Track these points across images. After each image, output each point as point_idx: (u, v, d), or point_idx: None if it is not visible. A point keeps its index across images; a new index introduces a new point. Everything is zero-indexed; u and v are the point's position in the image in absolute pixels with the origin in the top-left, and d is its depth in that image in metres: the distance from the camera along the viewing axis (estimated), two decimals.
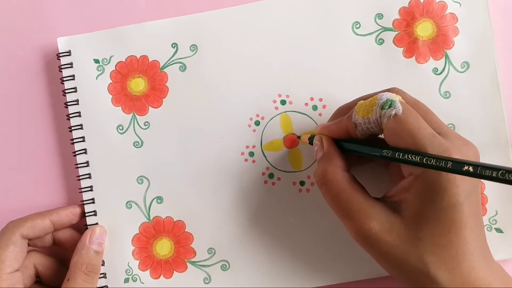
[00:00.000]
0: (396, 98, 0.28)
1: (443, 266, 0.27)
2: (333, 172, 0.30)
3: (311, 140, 0.34)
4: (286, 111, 0.37)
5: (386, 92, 0.29)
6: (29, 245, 0.36)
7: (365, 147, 0.30)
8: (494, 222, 0.35)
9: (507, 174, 0.22)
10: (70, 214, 0.37)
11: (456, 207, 0.26)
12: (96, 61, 0.38)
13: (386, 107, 0.28)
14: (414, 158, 0.26)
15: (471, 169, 0.24)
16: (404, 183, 0.28)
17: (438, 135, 0.27)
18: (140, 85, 0.37)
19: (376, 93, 0.30)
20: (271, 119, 0.37)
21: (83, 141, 0.37)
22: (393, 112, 0.28)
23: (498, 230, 0.35)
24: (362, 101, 0.30)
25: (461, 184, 0.26)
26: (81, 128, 0.37)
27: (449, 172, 0.25)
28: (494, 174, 0.23)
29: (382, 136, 0.31)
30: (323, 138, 0.32)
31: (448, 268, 0.27)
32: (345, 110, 0.33)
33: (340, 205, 0.30)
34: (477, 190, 0.28)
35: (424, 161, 0.26)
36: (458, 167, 0.24)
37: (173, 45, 0.37)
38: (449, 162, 0.24)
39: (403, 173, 0.29)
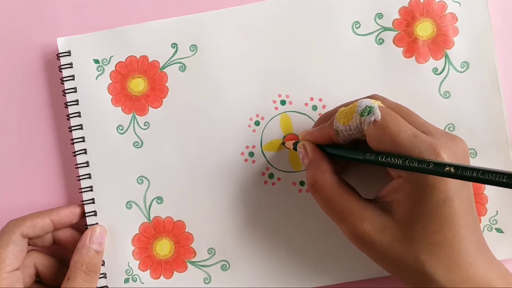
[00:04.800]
0: (375, 104, 0.29)
1: (439, 264, 0.27)
2: (322, 178, 0.30)
3: (295, 145, 0.34)
4: (286, 111, 0.37)
5: (365, 99, 0.30)
6: (29, 244, 0.36)
7: (348, 151, 0.30)
8: (494, 222, 0.35)
9: (487, 174, 0.22)
10: (70, 214, 0.37)
11: (446, 203, 0.26)
12: (96, 61, 0.38)
13: (365, 113, 0.28)
14: (396, 161, 0.26)
15: (452, 169, 0.24)
16: (394, 184, 0.28)
17: (421, 134, 0.27)
18: (140, 85, 0.38)
19: (357, 100, 0.30)
20: (271, 119, 0.37)
21: (83, 141, 0.37)
22: (372, 119, 0.28)
23: (499, 230, 0.35)
24: (343, 108, 0.30)
25: (449, 180, 0.26)
26: (81, 128, 0.37)
27: (431, 174, 0.25)
28: (474, 174, 0.23)
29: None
30: (306, 145, 0.33)
31: (445, 266, 0.27)
32: (328, 117, 0.33)
33: (333, 209, 0.30)
34: (468, 185, 0.28)
35: (406, 163, 0.26)
36: (439, 168, 0.24)
37: (173, 45, 0.37)
38: (431, 163, 0.25)
39: (391, 174, 0.29)
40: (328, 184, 0.30)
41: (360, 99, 0.30)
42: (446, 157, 0.26)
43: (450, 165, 0.24)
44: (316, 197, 0.31)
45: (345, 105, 0.31)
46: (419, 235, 0.27)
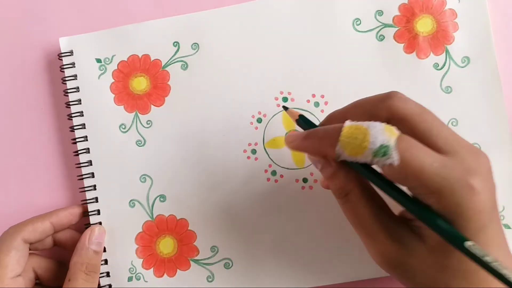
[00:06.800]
0: (391, 141, 0.24)
1: None
2: (354, 187, 0.27)
3: (301, 119, 0.31)
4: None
5: (379, 130, 0.24)
6: (30, 249, 0.35)
7: (376, 179, 0.26)
8: (502, 218, 0.35)
9: None
10: (70, 215, 0.36)
11: (482, 231, 0.25)
12: (98, 60, 0.38)
13: (380, 155, 0.24)
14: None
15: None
16: None
17: (447, 162, 0.24)
18: (142, 84, 0.38)
19: (371, 97, 0.27)
20: (273, 116, 0.37)
21: (86, 140, 0.37)
22: (388, 162, 0.24)
23: (506, 226, 0.35)
24: (349, 129, 0.25)
25: (484, 208, 0.24)
26: (84, 128, 0.37)
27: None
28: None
29: None
30: (331, 162, 0.28)
31: None
32: (337, 117, 0.29)
33: (363, 223, 0.27)
34: (496, 206, 0.26)
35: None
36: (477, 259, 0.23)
37: (175, 43, 0.37)
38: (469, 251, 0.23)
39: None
40: (361, 195, 0.27)
41: (376, 95, 0.27)
42: (479, 187, 0.24)
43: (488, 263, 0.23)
44: (347, 207, 0.27)
45: (357, 104, 0.28)
46: (453, 263, 0.25)
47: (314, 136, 0.28)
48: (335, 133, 0.26)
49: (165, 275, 0.37)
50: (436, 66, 0.36)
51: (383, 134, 0.24)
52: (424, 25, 0.36)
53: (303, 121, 0.31)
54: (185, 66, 0.37)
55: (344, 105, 0.29)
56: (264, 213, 0.36)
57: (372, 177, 0.26)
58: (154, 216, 0.37)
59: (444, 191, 0.24)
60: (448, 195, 0.24)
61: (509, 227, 0.35)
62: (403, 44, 0.36)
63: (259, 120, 0.37)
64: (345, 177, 0.27)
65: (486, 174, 0.25)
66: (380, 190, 0.27)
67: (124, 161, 0.37)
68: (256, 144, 0.37)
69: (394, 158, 0.24)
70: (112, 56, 0.38)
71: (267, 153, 0.37)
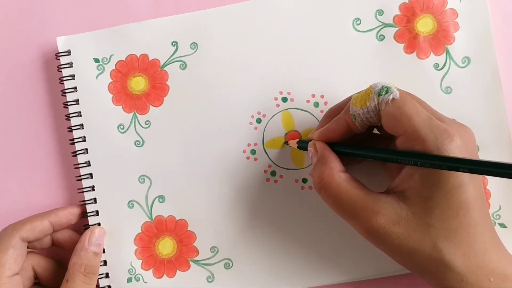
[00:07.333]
0: (391, 84, 0.29)
1: (457, 251, 0.26)
2: (329, 175, 0.30)
3: (300, 145, 0.34)
4: (287, 108, 0.37)
5: (379, 81, 0.30)
6: (28, 247, 0.35)
7: (358, 149, 0.30)
8: (497, 217, 0.35)
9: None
10: (69, 215, 0.36)
11: (462, 187, 0.26)
12: (96, 60, 0.37)
13: (383, 93, 0.28)
14: (408, 162, 0.27)
15: (466, 170, 0.24)
16: (407, 171, 0.28)
17: (434, 118, 0.27)
18: (141, 84, 0.37)
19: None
20: (273, 116, 0.37)
21: (84, 141, 0.37)
22: (391, 97, 0.28)
23: (502, 225, 0.35)
24: (356, 94, 0.30)
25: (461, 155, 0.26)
26: (82, 128, 0.37)
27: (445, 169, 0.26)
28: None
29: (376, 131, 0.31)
30: (315, 143, 0.32)
31: (462, 252, 0.26)
32: (336, 111, 0.32)
33: (343, 206, 0.29)
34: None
35: (418, 164, 0.26)
36: (453, 168, 0.25)
37: (173, 43, 0.37)
38: (443, 165, 0.25)
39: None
40: (336, 181, 0.29)
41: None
42: (459, 141, 0.26)
43: (464, 166, 0.24)
44: (323, 195, 0.30)
45: (341, 105, 0.31)
46: (436, 221, 0.27)
47: (328, 117, 0.33)
48: (342, 107, 0.31)
49: (164, 275, 0.37)
50: (436, 66, 0.36)
51: (383, 82, 0.29)
52: (424, 25, 0.36)
53: (302, 143, 0.35)
54: (183, 66, 0.37)
55: None
56: (264, 214, 0.36)
57: (357, 150, 0.30)
58: (153, 217, 0.37)
59: (429, 137, 0.26)
60: (431, 140, 0.26)
61: (505, 226, 0.35)
62: (403, 44, 0.36)
63: (259, 121, 0.37)
64: (323, 165, 0.30)
65: (469, 140, 0.28)
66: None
67: (123, 161, 0.37)
68: (255, 144, 0.37)
69: (395, 92, 0.28)
70: (110, 56, 0.37)
71: (266, 153, 0.37)
